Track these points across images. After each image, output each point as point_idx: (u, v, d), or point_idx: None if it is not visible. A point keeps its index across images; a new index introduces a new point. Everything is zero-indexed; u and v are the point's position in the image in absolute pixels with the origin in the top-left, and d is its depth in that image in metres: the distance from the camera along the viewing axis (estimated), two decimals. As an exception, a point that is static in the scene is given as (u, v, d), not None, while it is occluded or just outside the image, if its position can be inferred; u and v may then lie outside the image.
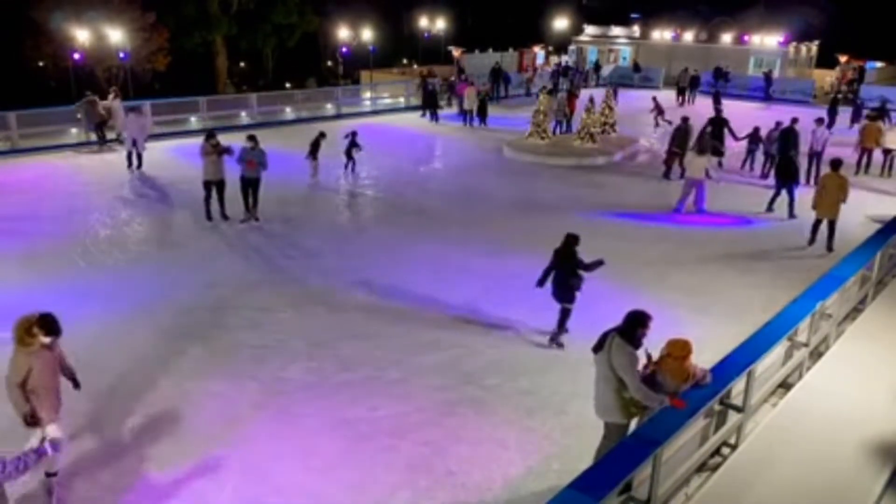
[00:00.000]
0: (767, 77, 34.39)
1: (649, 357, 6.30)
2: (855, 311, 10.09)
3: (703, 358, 6.77)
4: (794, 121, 18.46)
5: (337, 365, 8.90)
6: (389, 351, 9.27)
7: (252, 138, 14.10)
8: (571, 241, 9.24)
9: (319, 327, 9.94)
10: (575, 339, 9.18)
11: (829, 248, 13.30)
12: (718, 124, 19.85)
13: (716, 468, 6.62)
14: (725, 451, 6.91)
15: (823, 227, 13.46)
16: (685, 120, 18.86)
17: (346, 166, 18.92)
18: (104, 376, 8.45)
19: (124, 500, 6.46)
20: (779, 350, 7.92)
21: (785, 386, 8.07)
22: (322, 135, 18.12)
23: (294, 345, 9.42)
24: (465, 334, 9.79)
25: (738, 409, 6.90)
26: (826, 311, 8.77)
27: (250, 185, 14.09)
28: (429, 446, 7.29)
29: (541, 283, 9.39)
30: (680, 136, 18.49)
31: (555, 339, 9.50)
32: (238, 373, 8.68)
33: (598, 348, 6.24)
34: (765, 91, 34.10)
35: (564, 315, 9.41)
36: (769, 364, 7.86)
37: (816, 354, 8.63)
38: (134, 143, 18.42)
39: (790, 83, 37.45)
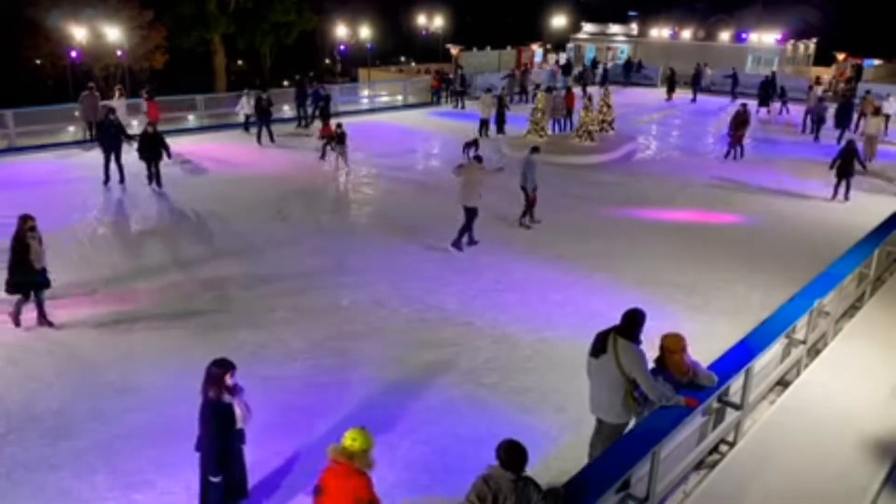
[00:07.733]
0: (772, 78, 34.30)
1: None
2: (853, 309, 10.12)
3: (702, 356, 6.77)
4: (844, 96, 25.02)
5: (336, 364, 8.92)
6: (389, 350, 9.28)
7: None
8: (853, 144, 16.50)
9: (319, 327, 9.95)
10: (571, 336, 9.20)
11: None
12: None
13: (714, 465, 6.64)
14: (724, 448, 6.94)
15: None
16: (744, 105, 21.50)
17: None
18: (103, 375, 8.48)
19: (123, 498, 6.47)
20: (777, 348, 7.94)
21: (783, 383, 8.10)
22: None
23: (294, 344, 9.43)
24: (463, 333, 9.80)
25: (737, 407, 6.92)
26: (824, 309, 8.79)
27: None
28: (428, 445, 7.30)
29: (832, 167, 16.50)
30: (739, 120, 21.05)
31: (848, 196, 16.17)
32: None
33: (599, 352, 5.99)
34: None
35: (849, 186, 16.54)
36: (767, 361, 7.88)
37: (814, 352, 8.67)
38: None
39: (787, 81, 37.46)
